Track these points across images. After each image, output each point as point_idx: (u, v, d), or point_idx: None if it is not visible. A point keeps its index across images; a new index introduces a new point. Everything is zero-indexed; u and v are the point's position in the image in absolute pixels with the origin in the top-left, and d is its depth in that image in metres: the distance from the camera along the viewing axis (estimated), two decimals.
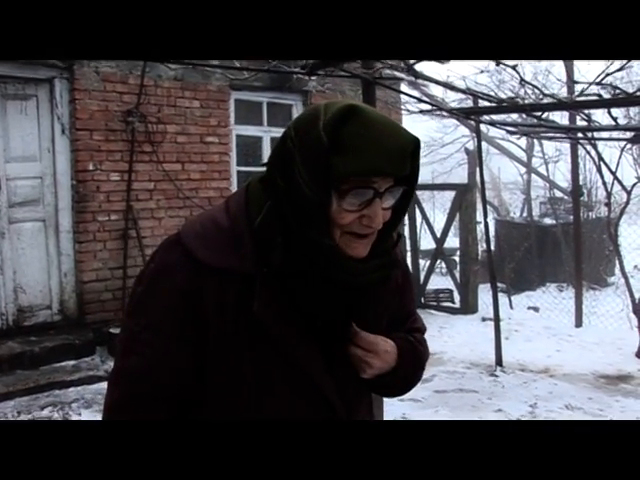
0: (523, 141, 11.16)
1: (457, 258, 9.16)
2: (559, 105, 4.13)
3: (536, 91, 3.91)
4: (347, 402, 1.23)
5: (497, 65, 3.10)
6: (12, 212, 5.64)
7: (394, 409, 4.75)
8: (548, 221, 10.37)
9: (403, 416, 4.69)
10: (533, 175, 11.96)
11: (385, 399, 4.57)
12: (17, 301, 5.72)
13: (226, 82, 6.63)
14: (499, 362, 5.85)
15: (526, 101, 4.56)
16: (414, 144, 1.11)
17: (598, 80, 3.42)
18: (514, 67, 3.23)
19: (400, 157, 1.08)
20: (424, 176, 14.58)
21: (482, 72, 3.73)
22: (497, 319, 5.99)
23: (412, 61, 3.48)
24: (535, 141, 10.97)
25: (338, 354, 1.22)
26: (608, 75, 3.73)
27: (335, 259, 1.11)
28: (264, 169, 1.19)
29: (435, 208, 14.93)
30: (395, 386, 1.35)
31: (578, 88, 4.71)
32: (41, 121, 5.72)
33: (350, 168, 1.04)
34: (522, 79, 3.44)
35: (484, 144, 12.93)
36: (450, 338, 6.97)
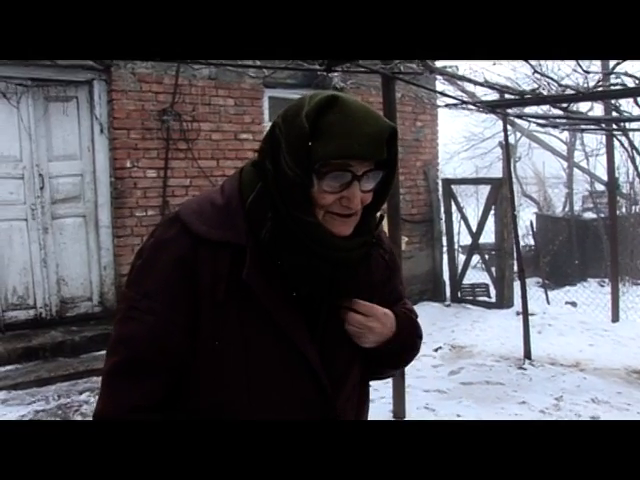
0: (565, 134, 10.98)
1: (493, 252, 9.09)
2: (579, 96, 4.12)
3: (555, 80, 3.91)
4: (333, 374, 1.26)
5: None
6: (55, 208, 5.94)
7: (418, 399, 4.82)
8: (589, 215, 10.18)
9: (426, 406, 4.75)
10: (576, 169, 11.74)
11: (409, 390, 4.65)
12: (60, 293, 6.02)
13: (259, 80, 6.79)
14: (527, 355, 5.84)
15: (551, 92, 4.54)
16: (390, 131, 1.18)
17: (613, 68, 3.41)
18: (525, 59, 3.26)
19: (375, 142, 1.14)
20: (465, 171, 14.49)
21: (494, 64, 3.75)
22: (525, 312, 5.97)
23: None
24: (577, 134, 10.77)
25: (324, 327, 1.27)
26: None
27: (317, 235, 1.18)
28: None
29: (479, 203, 14.79)
30: (398, 354, 1.38)
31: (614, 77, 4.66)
32: (81, 121, 6.00)
33: (327, 152, 1.12)
34: (535, 70, 3.46)
35: (525, 139, 12.78)
36: (482, 332, 6.96)
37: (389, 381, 4.53)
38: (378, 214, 1.34)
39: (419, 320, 1.50)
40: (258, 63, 4.31)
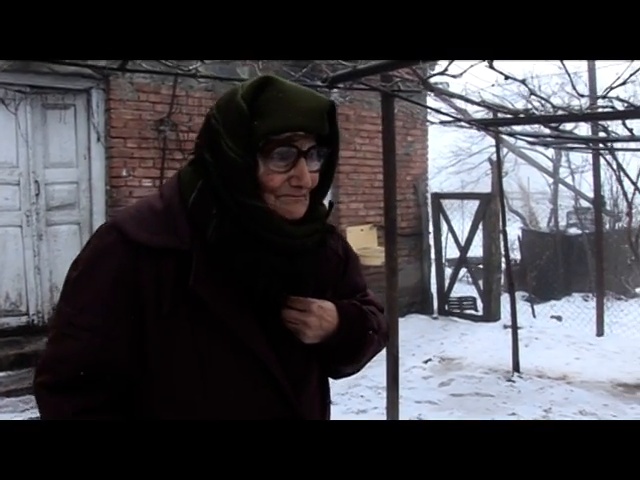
0: (551, 151, 11.18)
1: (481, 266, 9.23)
2: (571, 117, 4.25)
3: (550, 102, 4.05)
4: (293, 377, 1.22)
5: (505, 79, 3.25)
6: (49, 215, 5.96)
7: (410, 410, 4.89)
8: (574, 231, 10.37)
9: (419, 417, 4.82)
10: (561, 185, 11.96)
11: (401, 401, 4.72)
12: (52, 300, 6.01)
13: None
14: (516, 368, 5.94)
15: (542, 112, 4.67)
16: (329, 105, 1.17)
17: (606, 92, 3.54)
18: (523, 81, 3.38)
19: (316, 115, 1.13)
20: (452, 185, 14.67)
21: (493, 85, 3.86)
22: (515, 325, 6.08)
23: (426, 75, 3.64)
24: (562, 151, 10.98)
25: (278, 328, 1.21)
26: (625, 83, 3.80)
27: (269, 221, 1.14)
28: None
29: (464, 217, 14.97)
30: (344, 351, 1.30)
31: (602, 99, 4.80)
32: (78, 129, 6.03)
33: (269, 127, 1.10)
34: (532, 92, 3.57)
35: (511, 155, 12.98)
36: (470, 344, 7.07)
37: (382, 392, 4.59)
38: (327, 202, 1.31)
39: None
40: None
